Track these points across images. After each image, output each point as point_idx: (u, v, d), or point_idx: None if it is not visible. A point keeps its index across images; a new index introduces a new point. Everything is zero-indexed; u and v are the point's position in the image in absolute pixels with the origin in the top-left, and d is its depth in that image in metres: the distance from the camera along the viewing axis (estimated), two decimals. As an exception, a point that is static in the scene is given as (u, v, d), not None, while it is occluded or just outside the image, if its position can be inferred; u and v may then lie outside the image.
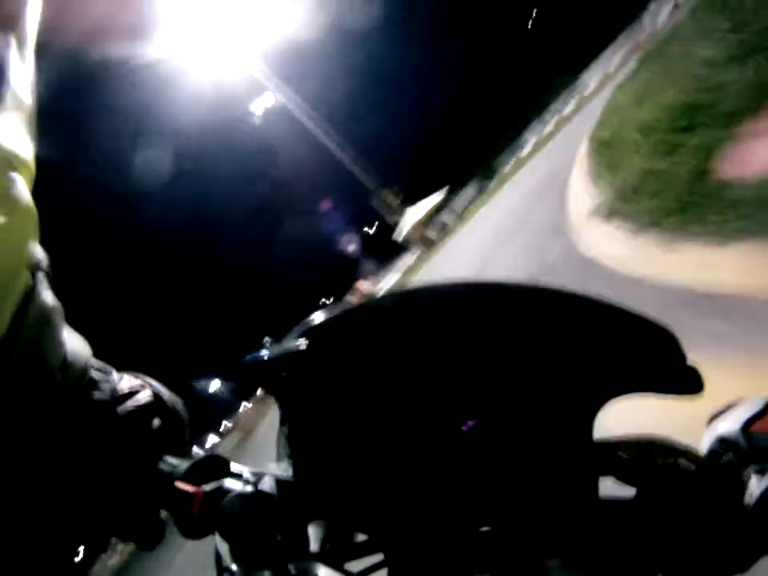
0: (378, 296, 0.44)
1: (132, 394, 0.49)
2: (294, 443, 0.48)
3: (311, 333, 0.43)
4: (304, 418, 0.46)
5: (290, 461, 0.49)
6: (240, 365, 0.45)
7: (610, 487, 0.45)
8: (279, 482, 0.50)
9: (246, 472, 0.52)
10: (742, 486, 0.39)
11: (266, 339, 0.47)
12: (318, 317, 0.44)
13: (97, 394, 0.46)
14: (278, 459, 0.52)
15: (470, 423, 0.42)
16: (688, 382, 0.41)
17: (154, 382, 0.52)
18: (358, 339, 0.43)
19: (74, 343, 0.46)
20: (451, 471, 0.42)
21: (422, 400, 0.44)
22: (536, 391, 0.44)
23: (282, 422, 0.48)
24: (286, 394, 0.45)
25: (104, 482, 0.44)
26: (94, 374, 0.47)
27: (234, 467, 0.52)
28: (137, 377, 0.52)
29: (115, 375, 0.50)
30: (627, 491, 0.46)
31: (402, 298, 0.44)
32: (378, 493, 0.43)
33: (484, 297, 0.42)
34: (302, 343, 0.42)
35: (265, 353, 0.44)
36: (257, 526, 0.42)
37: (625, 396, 0.43)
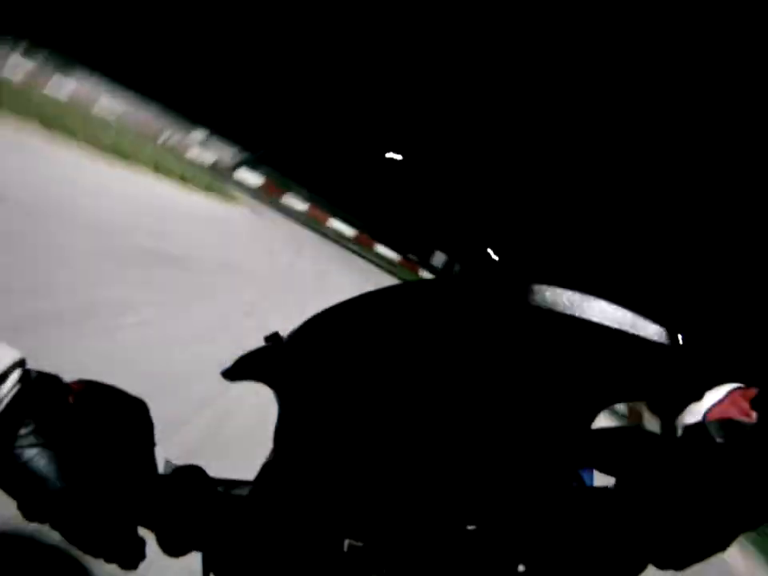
0: (386, 288, 0.42)
1: (87, 398, 0.45)
2: (292, 441, 0.47)
3: (313, 328, 0.42)
4: (303, 414, 0.45)
5: (287, 460, 0.48)
6: (242, 357, 0.43)
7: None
8: (264, 490, 0.49)
9: (225, 481, 0.50)
10: (705, 473, 0.42)
11: (269, 333, 0.46)
12: (319, 313, 0.43)
13: (43, 406, 0.42)
14: (272, 458, 0.50)
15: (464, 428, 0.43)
16: (688, 387, 0.44)
17: (113, 386, 0.49)
18: (360, 335, 0.42)
19: None
20: (446, 471, 0.43)
21: (425, 400, 0.44)
22: (534, 395, 0.45)
23: (281, 419, 0.46)
24: (288, 388, 0.44)
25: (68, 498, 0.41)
26: (37, 384, 0.43)
27: (212, 476, 0.50)
28: (90, 381, 0.48)
29: (63, 380, 0.46)
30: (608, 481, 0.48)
31: (412, 292, 0.42)
32: (372, 495, 0.43)
33: (490, 300, 0.42)
34: (305, 338, 0.41)
35: (267, 346, 0.43)
36: (242, 539, 0.41)
37: (626, 401, 0.45)
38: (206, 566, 0.43)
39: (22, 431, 0.40)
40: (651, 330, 0.41)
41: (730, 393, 0.46)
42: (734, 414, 0.44)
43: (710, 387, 0.47)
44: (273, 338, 0.43)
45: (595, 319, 0.41)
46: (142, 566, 0.44)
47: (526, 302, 0.42)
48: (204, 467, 0.49)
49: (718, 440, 0.42)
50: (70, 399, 0.44)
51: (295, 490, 0.46)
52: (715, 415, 0.44)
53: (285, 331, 0.45)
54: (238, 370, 0.44)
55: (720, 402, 0.45)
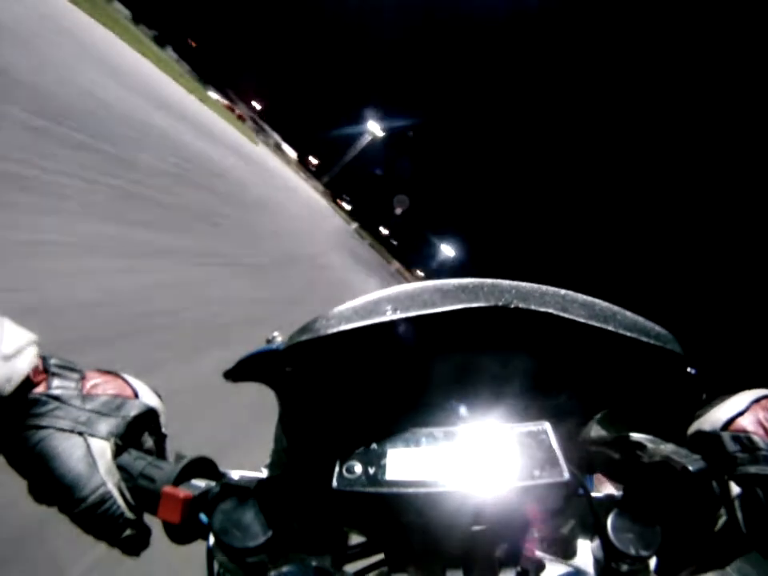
0: (388, 290, 0.41)
1: (100, 388, 0.46)
2: (291, 441, 0.47)
3: (314, 330, 0.41)
4: (303, 415, 0.45)
5: (285, 459, 0.48)
6: (243, 359, 0.43)
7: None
8: (271, 483, 0.49)
9: (235, 474, 0.51)
10: (716, 487, 0.41)
11: (274, 334, 0.46)
12: (320, 315, 0.42)
13: (58, 390, 0.43)
14: (274, 456, 0.51)
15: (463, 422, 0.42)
16: (688, 391, 0.42)
17: (125, 375, 0.49)
18: (362, 339, 0.41)
19: (12, 331, 0.42)
20: (448, 471, 0.42)
21: (427, 404, 0.43)
22: (534, 394, 0.44)
23: (281, 419, 0.47)
24: (288, 389, 0.44)
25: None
26: (53, 369, 0.44)
27: (223, 469, 0.50)
28: (103, 370, 0.49)
29: (78, 368, 0.47)
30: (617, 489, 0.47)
31: (417, 296, 0.40)
32: (372, 495, 0.42)
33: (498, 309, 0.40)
34: (306, 340, 0.41)
35: (268, 347, 0.43)
36: (250, 531, 0.41)
37: (624, 404, 0.44)
38: (212, 555, 0.44)
39: (35, 411, 0.41)
40: (658, 334, 0.40)
41: (753, 402, 0.43)
42: (752, 427, 0.42)
43: (733, 393, 0.45)
44: (274, 340, 0.43)
45: (602, 323, 0.40)
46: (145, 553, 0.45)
47: (533, 306, 0.41)
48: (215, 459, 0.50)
49: (732, 454, 0.41)
50: (83, 385, 0.45)
51: (296, 491, 0.46)
52: (734, 427, 0.42)
53: (285, 332, 0.44)
54: (240, 371, 0.44)
55: (741, 412, 0.43)
